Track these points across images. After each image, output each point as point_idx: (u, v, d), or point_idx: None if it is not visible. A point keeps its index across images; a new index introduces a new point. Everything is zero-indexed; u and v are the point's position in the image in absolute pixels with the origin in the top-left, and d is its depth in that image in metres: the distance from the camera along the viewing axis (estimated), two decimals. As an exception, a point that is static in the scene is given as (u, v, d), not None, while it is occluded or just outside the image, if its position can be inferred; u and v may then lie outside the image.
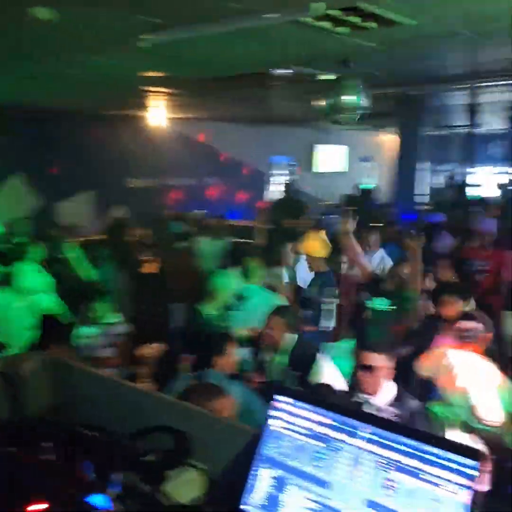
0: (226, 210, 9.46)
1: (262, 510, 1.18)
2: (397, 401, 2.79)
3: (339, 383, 3.34)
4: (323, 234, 5.14)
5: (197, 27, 3.76)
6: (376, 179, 14.80)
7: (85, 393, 1.58)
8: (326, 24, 3.48)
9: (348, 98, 4.63)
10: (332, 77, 5.03)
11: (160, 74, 5.84)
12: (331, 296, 4.68)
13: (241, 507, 1.20)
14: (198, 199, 11.34)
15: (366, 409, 2.78)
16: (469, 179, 11.33)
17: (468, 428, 2.96)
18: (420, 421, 2.78)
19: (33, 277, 5.32)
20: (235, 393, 2.68)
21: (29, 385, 1.59)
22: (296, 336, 3.75)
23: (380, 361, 2.82)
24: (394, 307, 4.27)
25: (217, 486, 1.31)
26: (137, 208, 10.06)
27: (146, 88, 7.05)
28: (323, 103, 4.99)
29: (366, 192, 11.98)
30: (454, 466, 1.05)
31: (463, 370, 2.96)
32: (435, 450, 1.07)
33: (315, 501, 1.14)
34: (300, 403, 1.24)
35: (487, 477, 2.90)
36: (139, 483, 1.21)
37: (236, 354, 3.39)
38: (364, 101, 4.68)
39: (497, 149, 13.43)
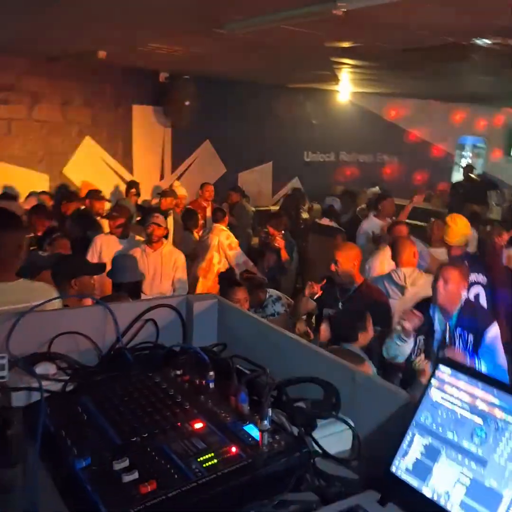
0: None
1: (413, 475, 1.15)
2: None
3: None
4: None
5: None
6: None
7: (242, 334, 1.67)
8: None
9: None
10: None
11: (349, 43, 5.74)
12: None
13: (392, 470, 1.18)
14: (372, 177, 11.08)
15: None
16: None
17: None
18: None
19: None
20: None
21: (197, 322, 1.72)
22: None
23: None
24: None
25: (363, 444, 1.30)
26: (310, 182, 10.12)
27: (333, 59, 6.96)
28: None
29: None
30: None
31: None
32: None
33: (468, 477, 1.07)
34: (464, 376, 1.17)
35: None
36: (289, 424, 1.25)
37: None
38: None
39: None
